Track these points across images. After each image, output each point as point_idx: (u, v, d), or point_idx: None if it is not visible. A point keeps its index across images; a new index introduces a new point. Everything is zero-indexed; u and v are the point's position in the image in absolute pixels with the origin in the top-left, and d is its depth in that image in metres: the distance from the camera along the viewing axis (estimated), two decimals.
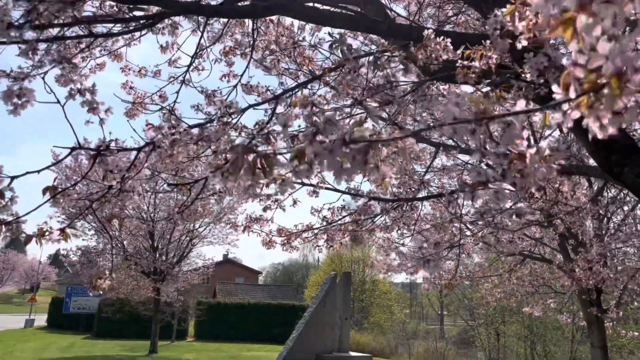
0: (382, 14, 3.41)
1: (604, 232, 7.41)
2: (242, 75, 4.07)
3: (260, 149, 0.85)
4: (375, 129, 0.82)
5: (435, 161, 6.53)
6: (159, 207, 16.44)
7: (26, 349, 17.76)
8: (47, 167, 1.89)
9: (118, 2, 2.97)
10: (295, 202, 4.40)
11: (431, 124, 4.47)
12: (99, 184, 2.17)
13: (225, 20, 4.25)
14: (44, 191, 1.82)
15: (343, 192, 4.50)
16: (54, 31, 2.21)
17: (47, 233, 1.73)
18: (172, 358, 16.89)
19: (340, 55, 2.45)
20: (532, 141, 0.88)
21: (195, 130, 2.35)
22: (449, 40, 2.26)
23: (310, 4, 3.25)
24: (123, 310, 21.92)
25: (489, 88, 2.18)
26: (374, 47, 4.76)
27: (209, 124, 2.58)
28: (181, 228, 17.02)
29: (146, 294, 17.57)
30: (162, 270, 17.08)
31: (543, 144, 0.88)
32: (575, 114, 0.71)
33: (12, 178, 1.67)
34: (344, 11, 3.49)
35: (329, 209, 4.98)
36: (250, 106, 2.90)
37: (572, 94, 0.70)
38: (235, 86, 3.98)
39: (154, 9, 3.09)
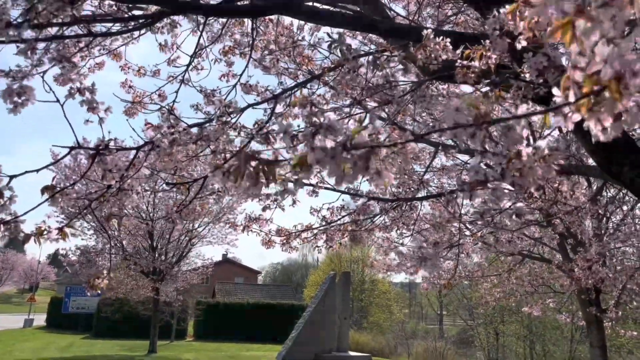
0: (381, 14, 3.41)
1: (603, 231, 7.42)
2: (241, 75, 4.07)
3: (262, 155, 0.85)
4: (375, 130, 0.82)
5: (435, 161, 6.54)
6: (158, 206, 16.44)
7: (25, 349, 17.75)
8: (46, 167, 1.89)
9: (117, 2, 2.97)
10: (294, 202, 4.39)
11: (431, 126, 4.48)
12: (97, 184, 2.17)
13: (225, 20, 4.25)
14: (43, 190, 1.81)
15: (342, 192, 4.50)
16: (53, 30, 2.21)
17: (45, 232, 1.73)
18: (172, 358, 16.88)
19: (340, 55, 2.45)
20: (530, 141, 0.87)
21: (194, 130, 2.35)
22: (448, 40, 2.26)
23: (310, 4, 3.25)
24: (122, 310, 21.91)
25: (488, 88, 2.18)
26: (373, 46, 4.77)
27: (208, 124, 2.58)
28: (180, 228, 17.01)
29: (145, 294, 17.56)
30: (162, 270, 17.08)
31: (542, 143, 0.88)
32: (576, 117, 0.71)
33: (11, 177, 1.67)
34: (343, 11, 3.49)
35: (328, 208, 4.98)
36: (249, 105, 2.90)
37: (572, 98, 0.70)
38: (234, 86, 3.97)
39: (153, 8, 3.08)
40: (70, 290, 26.02)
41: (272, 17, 4.19)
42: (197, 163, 3.75)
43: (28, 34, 1.97)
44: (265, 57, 4.26)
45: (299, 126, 2.43)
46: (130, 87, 3.91)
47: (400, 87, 2.89)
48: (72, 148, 1.96)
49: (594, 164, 3.75)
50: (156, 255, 17.12)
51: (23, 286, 57.20)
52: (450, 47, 2.26)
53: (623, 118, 0.68)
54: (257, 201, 4.48)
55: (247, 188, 0.86)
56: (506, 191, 0.92)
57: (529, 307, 9.41)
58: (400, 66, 2.47)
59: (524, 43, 1.74)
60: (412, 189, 5.44)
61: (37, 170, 1.86)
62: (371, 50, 3.25)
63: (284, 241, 4.90)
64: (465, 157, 6.01)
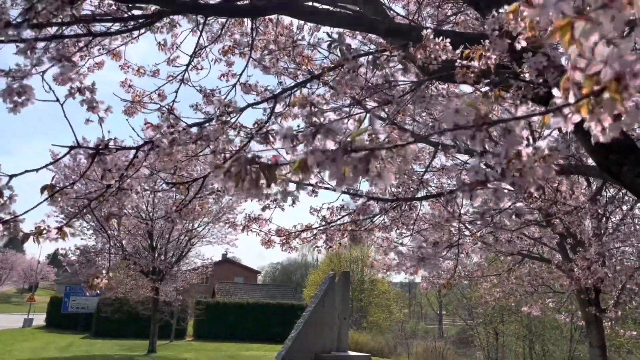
0: (381, 14, 3.41)
1: (602, 231, 7.42)
2: (240, 75, 4.07)
3: (262, 155, 0.85)
4: (375, 131, 0.82)
5: (434, 161, 6.54)
6: (158, 206, 16.43)
7: (25, 349, 17.74)
8: (45, 166, 1.89)
9: (117, 1, 2.97)
10: (294, 202, 4.38)
11: (431, 126, 4.48)
12: (97, 183, 2.17)
13: (224, 20, 4.25)
14: (42, 190, 1.81)
15: (342, 192, 4.50)
16: (52, 30, 2.21)
17: (44, 231, 1.73)
18: (171, 357, 16.88)
19: (339, 55, 2.45)
20: (530, 141, 0.88)
21: (194, 130, 2.35)
22: (448, 40, 2.26)
23: (310, 3, 3.25)
24: (122, 310, 21.90)
25: (488, 88, 2.18)
26: (372, 46, 4.77)
27: (207, 123, 2.58)
28: (180, 227, 17.01)
29: (145, 294, 17.55)
30: (161, 270, 17.08)
31: (542, 144, 0.88)
32: (576, 118, 0.71)
33: (11, 176, 1.67)
34: (343, 10, 3.49)
35: (327, 208, 4.97)
36: (249, 105, 2.89)
37: (572, 99, 0.70)
38: (234, 85, 3.97)
39: (153, 7, 3.08)
40: (70, 290, 26.00)
41: (272, 17, 4.19)
42: (197, 163, 3.76)
43: (27, 33, 1.96)
44: (265, 57, 4.26)
45: (298, 126, 2.43)
46: (129, 86, 3.91)
47: (399, 87, 2.89)
48: (71, 147, 1.96)
49: (593, 163, 3.75)
50: (156, 255, 17.11)
51: (22, 286, 57.18)
52: (450, 47, 2.26)
53: (622, 118, 0.68)
54: (256, 201, 4.48)
55: (248, 191, 0.86)
56: (506, 191, 0.92)
57: (528, 307, 9.41)
58: (400, 66, 2.47)
59: (524, 43, 1.74)
60: (412, 189, 5.44)
61: (37, 170, 1.86)
62: (371, 50, 3.25)
63: (284, 241, 4.89)
64: (465, 157, 6.01)
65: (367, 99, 3.30)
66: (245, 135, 2.98)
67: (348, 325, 12.41)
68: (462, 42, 2.26)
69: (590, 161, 4.96)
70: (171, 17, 3.70)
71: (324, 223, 4.94)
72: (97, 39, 3.42)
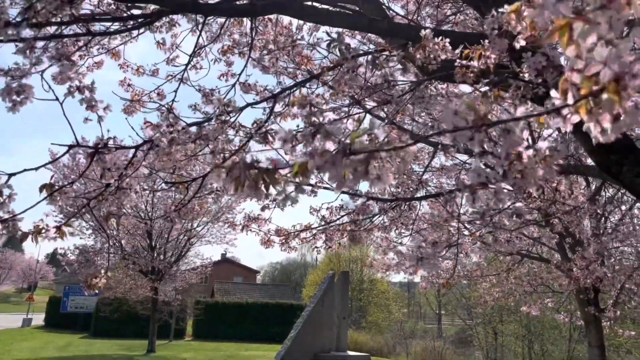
0: (380, 13, 3.41)
1: (601, 231, 7.43)
2: (240, 74, 4.07)
3: (261, 163, 0.85)
4: (373, 132, 0.82)
5: (434, 161, 6.55)
6: (157, 206, 16.43)
7: (23, 348, 17.73)
8: (44, 165, 1.89)
9: (116, 1, 2.97)
10: (293, 203, 4.38)
11: (430, 128, 4.48)
12: (96, 183, 2.17)
13: (223, 20, 4.24)
14: (41, 189, 1.81)
15: (341, 192, 4.50)
16: (52, 29, 2.20)
17: (43, 231, 1.73)
18: (170, 357, 16.88)
19: (339, 55, 2.45)
20: (529, 141, 0.88)
21: (193, 129, 2.35)
22: (447, 40, 2.26)
23: (309, 3, 3.25)
24: (121, 310, 21.89)
25: (487, 87, 2.18)
26: (372, 46, 4.76)
27: (206, 123, 2.58)
28: (179, 227, 17.01)
29: (144, 293, 17.54)
30: (160, 270, 17.07)
31: (542, 144, 0.88)
32: (575, 119, 0.71)
33: (10, 175, 1.67)
34: (342, 10, 3.49)
35: (327, 208, 4.97)
36: (248, 104, 2.89)
37: (570, 100, 0.70)
38: (233, 85, 3.97)
39: (152, 7, 3.08)
40: (69, 289, 25.99)
41: (271, 16, 4.19)
42: (196, 162, 3.76)
43: (27, 32, 1.96)
44: (264, 56, 4.26)
45: (297, 126, 2.43)
46: (129, 85, 3.91)
47: (399, 87, 2.89)
48: (70, 146, 1.96)
49: (592, 163, 3.75)
50: (155, 254, 17.11)
51: (21, 285, 57.14)
52: (449, 46, 2.26)
53: (622, 119, 0.68)
54: (256, 201, 4.48)
55: (248, 194, 0.86)
56: (506, 191, 0.92)
57: (527, 307, 9.42)
58: (399, 66, 2.47)
59: (523, 42, 1.74)
60: (411, 189, 5.44)
61: (36, 169, 1.86)
62: (370, 50, 3.25)
63: (283, 241, 4.89)
64: (464, 157, 6.01)
65: (366, 99, 3.30)
66: (244, 134, 2.98)
67: (347, 325, 12.42)
68: (461, 41, 2.27)
69: (590, 161, 4.96)
70: (170, 16, 3.70)
71: (323, 223, 4.94)
72: (97, 38, 3.42)
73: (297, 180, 0.81)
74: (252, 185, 0.84)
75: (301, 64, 4.47)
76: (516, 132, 0.83)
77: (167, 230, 17.11)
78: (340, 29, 3.22)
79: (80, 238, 16.91)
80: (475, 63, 2.12)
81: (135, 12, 3.19)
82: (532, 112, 0.79)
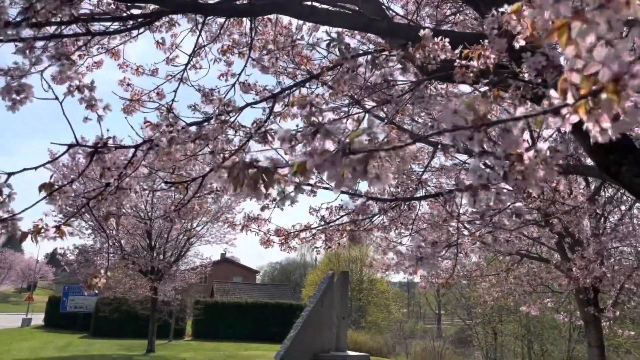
0: (380, 13, 3.41)
1: (601, 231, 7.43)
2: (239, 74, 4.07)
3: (260, 162, 0.85)
4: (373, 132, 0.82)
5: (433, 160, 6.55)
6: (157, 205, 16.42)
7: (23, 348, 17.72)
8: (44, 164, 1.89)
9: (116, 0, 2.97)
10: (292, 203, 4.38)
11: (429, 128, 4.47)
12: (96, 182, 2.17)
13: (223, 20, 4.24)
14: (40, 188, 1.81)
15: (341, 192, 4.50)
16: (51, 29, 2.20)
17: (42, 230, 1.73)
18: (170, 357, 16.87)
19: (338, 54, 2.45)
20: (528, 139, 0.88)
21: (193, 128, 2.35)
22: (447, 39, 2.26)
23: (309, 3, 3.25)
24: (120, 310, 21.88)
25: (486, 88, 2.18)
26: (371, 46, 4.76)
27: (206, 123, 2.58)
28: (179, 227, 17.00)
29: (144, 293, 17.54)
30: (160, 270, 17.06)
31: (543, 145, 0.88)
32: (574, 118, 0.71)
33: (9, 174, 1.66)
34: (342, 10, 3.49)
35: (326, 208, 4.97)
36: (248, 104, 2.89)
37: (570, 100, 0.70)
38: (233, 85, 3.97)
39: (151, 7, 3.08)
40: (68, 289, 25.98)
41: (271, 16, 4.19)
42: (196, 162, 3.75)
43: (26, 32, 1.96)
44: (264, 56, 4.26)
45: (297, 126, 2.43)
46: (128, 85, 3.91)
47: (398, 87, 2.89)
48: (70, 145, 1.96)
49: (592, 163, 3.75)
50: (154, 254, 17.10)
51: (21, 285, 57.12)
52: (449, 46, 2.26)
53: (621, 119, 0.68)
54: (255, 201, 4.47)
55: (247, 193, 0.86)
56: (506, 191, 0.92)
57: (527, 307, 9.42)
58: (399, 65, 2.47)
59: (522, 42, 1.74)
60: (411, 189, 5.44)
61: (35, 168, 1.85)
62: (370, 50, 3.25)
63: (283, 241, 4.89)
64: (464, 157, 6.01)
65: (365, 99, 3.30)
66: (244, 134, 2.99)
67: (347, 325, 12.42)
68: (461, 41, 2.27)
69: (589, 161, 4.97)
70: (170, 16, 3.70)
71: (323, 223, 4.94)
72: (96, 38, 3.42)
73: (296, 179, 0.81)
74: (251, 185, 0.84)
75: (301, 64, 4.47)
76: (515, 132, 0.83)
77: (166, 230, 17.11)
78: (339, 29, 3.22)
79: (80, 238, 16.92)
80: (474, 63, 2.12)
81: (135, 11, 3.19)
82: (531, 112, 0.79)
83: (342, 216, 4.91)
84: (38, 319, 28.97)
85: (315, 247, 5.16)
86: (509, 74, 2.19)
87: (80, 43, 3.05)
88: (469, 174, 0.92)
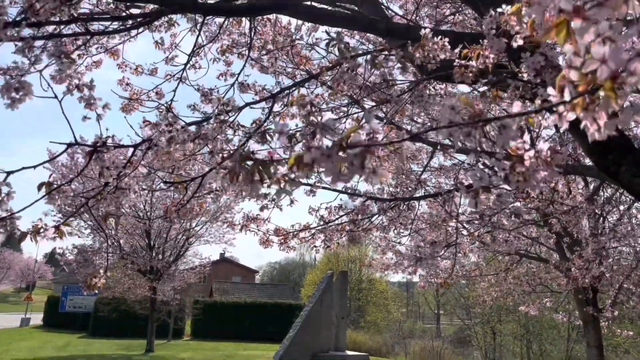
0: (379, 13, 3.41)
1: (599, 231, 7.44)
2: (239, 74, 4.07)
3: (259, 154, 0.85)
4: (371, 129, 0.82)
5: (432, 161, 6.55)
6: (156, 205, 16.41)
7: (22, 348, 17.70)
8: (43, 163, 1.88)
9: (115, 0, 2.97)
10: (292, 202, 4.39)
11: (427, 126, 4.48)
12: (94, 182, 2.17)
13: (222, 19, 4.24)
14: (39, 187, 1.81)
15: (340, 192, 4.50)
16: (50, 28, 2.20)
17: (41, 230, 1.73)
18: (169, 357, 16.86)
19: (338, 54, 2.45)
20: (527, 138, 0.88)
21: (192, 128, 2.34)
22: (446, 39, 2.27)
23: (308, 3, 3.25)
24: (119, 309, 21.87)
25: (485, 87, 2.18)
26: (370, 46, 4.76)
27: (205, 122, 2.58)
28: (178, 227, 16.99)
29: (142, 293, 17.53)
30: (159, 269, 17.05)
31: (543, 146, 0.88)
32: (571, 116, 0.71)
33: (8, 173, 1.66)
34: (341, 10, 3.49)
35: (326, 208, 4.97)
36: (247, 104, 2.89)
37: (567, 97, 0.70)
38: (232, 85, 3.97)
39: (151, 6, 3.08)
40: (67, 289, 25.96)
41: (270, 16, 4.19)
42: (195, 162, 3.75)
43: (26, 32, 1.96)
44: (263, 56, 4.26)
45: (297, 125, 2.43)
46: (127, 84, 3.91)
47: (398, 87, 2.90)
48: (69, 144, 1.96)
49: (591, 163, 3.76)
50: (153, 254, 17.09)
51: (20, 285, 57.08)
52: (448, 46, 2.26)
53: (618, 117, 0.68)
54: (254, 200, 4.48)
55: (243, 187, 0.86)
56: (508, 194, 0.93)
57: (526, 307, 9.43)
58: (398, 65, 2.48)
59: (521, 42, 1.75)
60: (410, 189, 5.45)
61: (34, 167, 1.85)
62: (369, 50, 3.25)
63: (282, 241, 4.89)
64: (463, 157, 6.02)
65: (365, 98, 3.30)
66: (243, 134, 2.98)
67: (346, 325, 12.42)
68: (460, 41, 2.27)
69: (588, 161, 4.97)
70: (169, 16, 3.70)
71: (322, 223, 4.94)
72: (95, 37, 3.42)
73: (292, 173, 0.81)
74: (247, 177, 0.84)
75: (300, 64, 4.48)
76: (512, 128, 0.83)
77: (165, 229, 17.10)
78: (339, 29, 3.22)
79: (79, 237, 16.90)
80: (474, 63, 2.12)
81: (134, 11, 3.19)
82: (529, 109, 0.80)
83: (341, 216, 4.91)
84: (37, 318, 28.95)
85: (315, 247, 5.16)
86: (508, 74, 2.20)
87: (79, 42, 3.05)
88: (470, 177, 0.92)
